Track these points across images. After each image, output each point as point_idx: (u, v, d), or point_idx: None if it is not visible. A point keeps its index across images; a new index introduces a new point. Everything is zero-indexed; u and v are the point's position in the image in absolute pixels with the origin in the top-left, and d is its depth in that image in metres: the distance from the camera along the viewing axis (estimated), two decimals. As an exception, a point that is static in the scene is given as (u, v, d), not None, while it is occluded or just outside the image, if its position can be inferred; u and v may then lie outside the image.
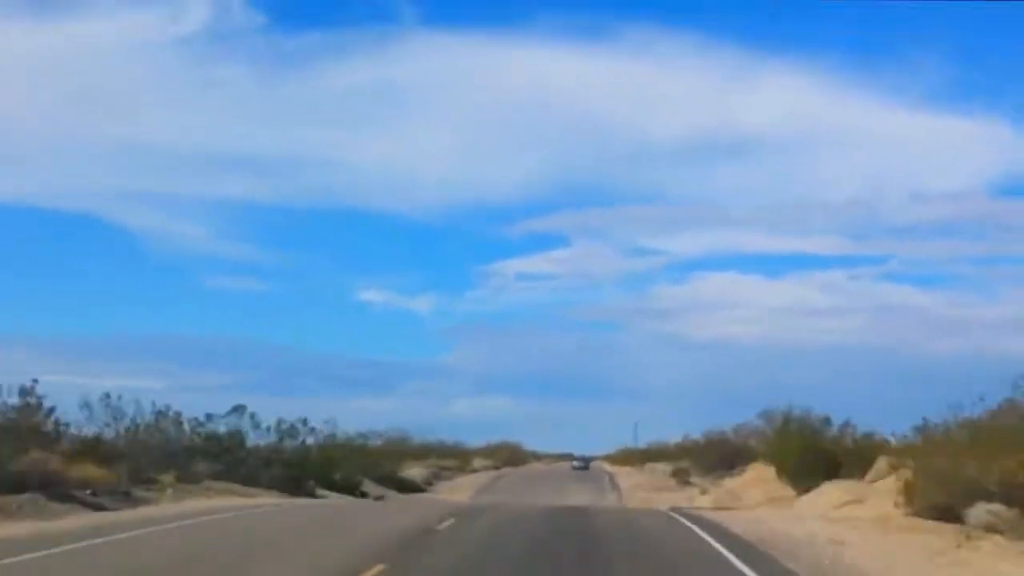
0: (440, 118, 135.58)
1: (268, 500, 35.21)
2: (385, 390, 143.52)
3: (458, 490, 63.75)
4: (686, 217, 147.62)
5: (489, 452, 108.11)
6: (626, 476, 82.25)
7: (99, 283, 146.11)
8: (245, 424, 44.84)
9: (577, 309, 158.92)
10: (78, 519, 23.87)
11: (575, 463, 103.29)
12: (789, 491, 41.62)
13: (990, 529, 20.60)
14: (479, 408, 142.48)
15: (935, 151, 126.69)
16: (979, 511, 21.63)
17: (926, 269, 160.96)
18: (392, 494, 53.66)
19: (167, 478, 34.15)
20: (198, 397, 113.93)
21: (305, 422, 48.31)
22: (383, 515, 27.76)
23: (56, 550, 17.03)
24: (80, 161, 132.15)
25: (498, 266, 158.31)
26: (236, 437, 43.96)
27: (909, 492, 25.80)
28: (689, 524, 25.97)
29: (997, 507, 21.34)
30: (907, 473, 26.91)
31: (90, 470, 28.84)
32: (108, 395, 36.98)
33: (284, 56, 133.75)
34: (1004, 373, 23.66)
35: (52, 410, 31.30)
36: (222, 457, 41.05)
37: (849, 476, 37.02)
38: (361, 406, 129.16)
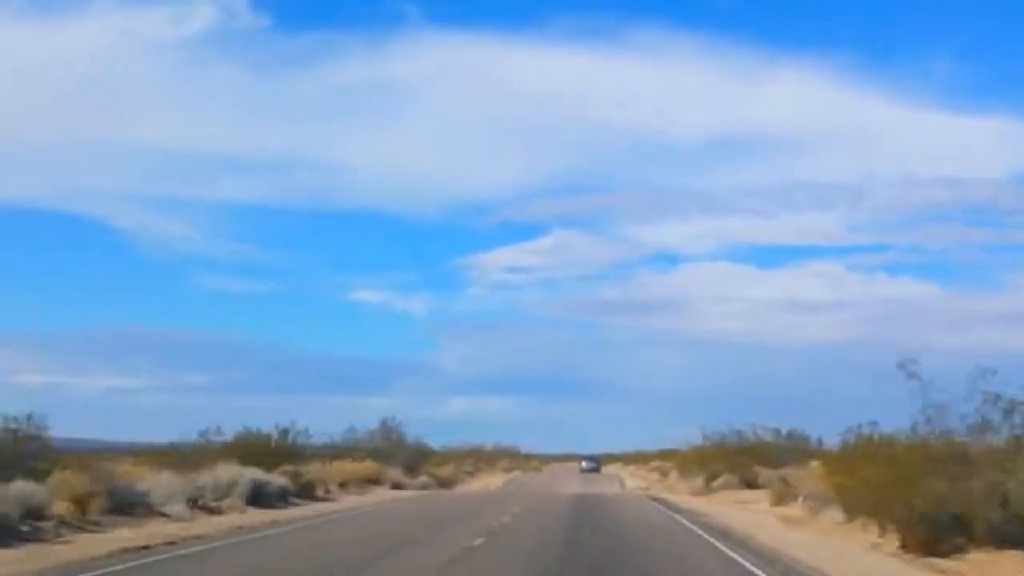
0: (438, 116, 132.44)
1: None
2: (377, 388, 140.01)
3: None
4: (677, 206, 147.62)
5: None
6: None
7: (89, 281, 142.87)
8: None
9: (564, 302, 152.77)
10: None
11: (584, 464, 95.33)
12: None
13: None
14: (471, 407, 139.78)
15: (944, 145, 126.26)
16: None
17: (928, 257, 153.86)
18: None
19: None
20: (186, 397, 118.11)
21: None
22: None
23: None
24: (79, 163, 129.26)
25: (486, 259, 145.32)
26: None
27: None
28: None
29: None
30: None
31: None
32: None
33: (285, 57, 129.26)
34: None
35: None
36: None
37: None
38: (353, 404, 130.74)
